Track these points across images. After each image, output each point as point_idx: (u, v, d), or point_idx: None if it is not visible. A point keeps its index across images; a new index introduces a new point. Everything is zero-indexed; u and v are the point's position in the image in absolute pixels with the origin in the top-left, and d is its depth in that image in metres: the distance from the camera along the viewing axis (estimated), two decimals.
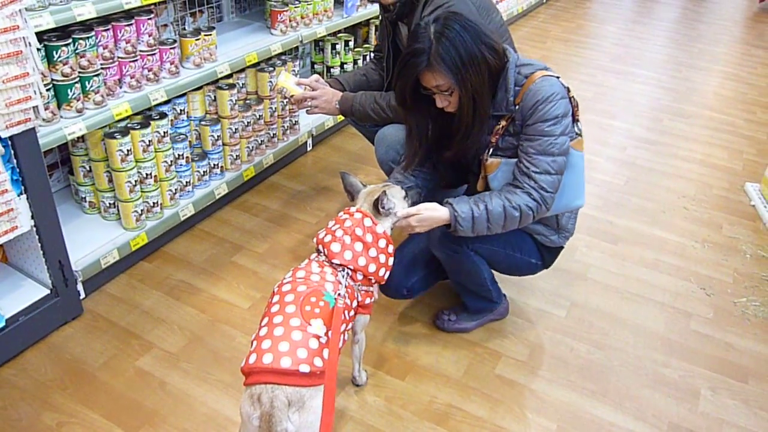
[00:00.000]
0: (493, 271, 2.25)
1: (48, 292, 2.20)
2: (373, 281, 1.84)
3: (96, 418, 1.96)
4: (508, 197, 1.90)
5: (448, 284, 2.42)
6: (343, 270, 1.75)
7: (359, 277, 1.78)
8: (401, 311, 2.47)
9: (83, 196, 2.58)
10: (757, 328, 2.53)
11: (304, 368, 1.46)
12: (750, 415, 2.15)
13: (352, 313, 1.76)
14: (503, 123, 1.93)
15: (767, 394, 2.23)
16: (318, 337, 1.53)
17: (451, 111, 1.90)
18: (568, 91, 1.91)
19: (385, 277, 1.86)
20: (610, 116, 4.35)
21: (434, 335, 2.37)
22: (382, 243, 1.82)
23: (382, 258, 1.82)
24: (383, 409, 2.06)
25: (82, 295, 2.36)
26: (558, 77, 1.92)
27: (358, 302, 1.80)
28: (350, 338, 1.96)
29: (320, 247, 1.79)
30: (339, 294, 1.67)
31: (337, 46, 3.59)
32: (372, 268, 1.79)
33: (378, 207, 1.84)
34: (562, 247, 2.23)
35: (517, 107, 1.88)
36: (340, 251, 1.75)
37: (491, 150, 1.97)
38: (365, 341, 2.04)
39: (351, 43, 3.67)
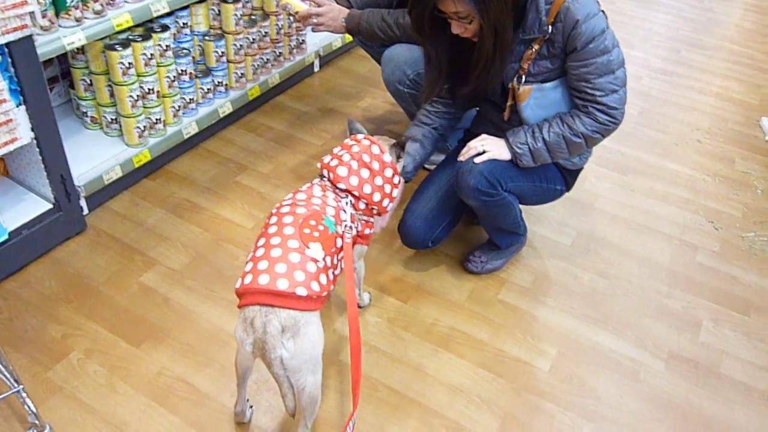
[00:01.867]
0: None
1: (51, 206, 2.18)
2: (375, 211, 1.80)
3: (100, 330, 1.98)
4: (570, 125, 1.87)
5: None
6: (347, 197, 1.71)
7: (361, 206, 1.74)
8: None
9: (84, 110, 2.53)
10: (763, 262, 2.52)
11: (301, 291, 1.41)
12: (750, 347, 2.16)
13: (349, 239, 1.71)
14: (535, 47, 1.83)
15: None
16: (315, 261, 1.48)
17: (468, 37, 1.80)
18: (598, 4, 1.82)
19: (388, 208, 1.82)
20: (628, 45, 4.21)
21: (439, 260, 2.36)
22: (389, 172, 1.77)
23: (387, 188, 1.78)
24: (385, 330, 2.08)
25: (86, 211, 2.35)
26: None
27: (357, 231, 1.75)
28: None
29: (325, 171, 1.74)
30: (346, 224, 1.64)
31: None
32: (377, 196, 1.75)
33: (396, 152, 1.84)
34: (581, 169, 2.19)
35: (550, 28, 1.78)
36: (347, 176, 1.70)
37: (523, 77, 1.89)
38: (364, 268, 2.02)
39: None
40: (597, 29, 1.74)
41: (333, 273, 1.58)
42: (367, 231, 1.80)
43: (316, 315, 1.49)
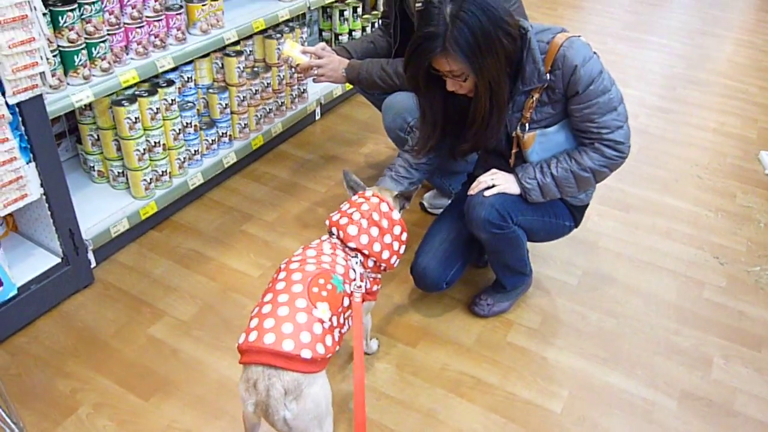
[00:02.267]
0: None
1: (59, 260, 2.19)
2: (383, 268, 1.80)
3: (109, 384, 1.97)
4: (578, 160, 1.90)
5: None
6: (357, 255, 1.71)
7: (370, 264, 1.75)
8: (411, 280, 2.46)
9: (92, 165, 2.57)
10: None
11: (306, 354, 1.39)
12: (763, 383, 2.14)
13: (358, 299, 1.69)
14: (536, 95, 1.87)
15: None
16: (322, 322, 1.46)
17: (464, 93, 1.84)
18: (590, 46, 1.87)
19: (395, 265, 1.83)
20: (623, 84, 4.21)
21: (446, 303, 2.36)
22: (397, 230, 1.79)
23: (396, 245, 1.79)
24: (395, 376, 2.07)
25: (93, 264, 2.36)
26: (579, 36, 1.86)
27: (366, 289, 1.75)
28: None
29: (334, 229, 1.74)
30: (357, 284, 1.64)
31: (345, 13, 3.53)
32: (386, 254, 1.76)
33: (401, 203, 1.88)
34: (588, 205, 2.21)
35: (549, 76, 1.83)
36: (357, 235, 1.71)
37: (527, 125, 1.93)
38: (370, 322, 2.03)
39: (359, 10, 3.61)
40: (595, 71, 1.78)
41: (339, 332, 1.57)
42: (374, 288, 1.81)
43: (320, 375, 1.46)
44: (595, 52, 1.85)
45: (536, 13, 5.50)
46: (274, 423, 1.41)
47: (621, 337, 2.27)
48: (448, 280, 2.17)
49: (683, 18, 5.87)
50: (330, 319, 1.49)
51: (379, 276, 1.82)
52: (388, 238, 1.75)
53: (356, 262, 1.68)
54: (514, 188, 1.98)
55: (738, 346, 2.28)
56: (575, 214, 2.17)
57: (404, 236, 1.81)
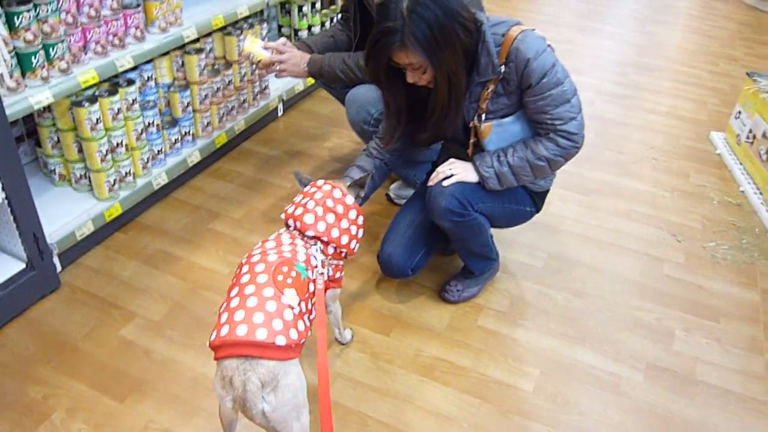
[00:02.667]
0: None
1: (24, 266, 2.16)
2: (344, 254, 1.83)
3: (82, 388, 1.95)
4: (533, 149, 1.94)
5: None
6: (316, 243, 1.73)
7: (330, 250, 1.76)
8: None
9: (52, 168, 2.52)
10: (726, 270, 2.62)
11: (281, 340, 1.40)
12: (722, 352, 2.23)
13: (320, 285, 1.70)
14: (491, 86, 1.92)
15: (737, 331, 2.32)
16: (292, 308, 1.47)
17: (424, 85, 1.88)
18: (544, 39, 1.92)
19: (355, 249, 1.85)
20: (577, 72, 4.38)
21: (416, 291, 2.40)
22: (353, 214, 1.81)
23: (353, 229, 1.81)
24: (370, 364, 2.10)
25: (59, 268, 2.32)
26: (533, 29, 1.91)
27: (328, 276, 1.77)
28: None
29: (290, 221, 1.76)
30: (319, 271, 1.64)
31: (304, 8, 3.53)
32: (344, 239, 1.78)
33: (355, 191, 1.91)
34: (548, 190, 2.27)
35: (503, 68, 1.87)
36: (314, 222, 1.72)
37: (483, 116, 1.97)
38: (340, 308, 2.04)
39: (318, 5, 3.62)
40: (547, 64, 1.83)
41: (308, 318, 1.58)
42: (338, 275, 1.82)
43: (295, 363, 1.47)
44: (549, 45, 1.90)
45: (491, 4, 5.56)
46: (252, 417, 1.42)
47: (587, 316, 2.35)
48: (413, 266, 2.21)
49: (634, 6, 6.03)
50: (299, 305, 1.50)
51: (341, 263, 1.83)
52: (344, 223, 1.77)
53: (316, 249, 1.70)
54: (472, 177, 2.03)
55: (698, 318, 2.37)
56: (536, 199, 2.23)
57: (360, 220, 1.83)
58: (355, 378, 2.04)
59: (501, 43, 1.85)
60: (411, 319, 2.28)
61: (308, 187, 1.82)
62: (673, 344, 2.25)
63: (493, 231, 2.33)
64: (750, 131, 3.27)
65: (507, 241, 2.66)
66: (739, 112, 3.42)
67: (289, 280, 1.52)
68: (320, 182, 1.82)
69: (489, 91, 1.92)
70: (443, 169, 2.04)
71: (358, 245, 1.85)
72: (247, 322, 1.40)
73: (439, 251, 2.52)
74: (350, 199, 1.82)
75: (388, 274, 2.25)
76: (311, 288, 1.60)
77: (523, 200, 2.19)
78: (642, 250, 2.70)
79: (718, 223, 2.91)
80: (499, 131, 1.98)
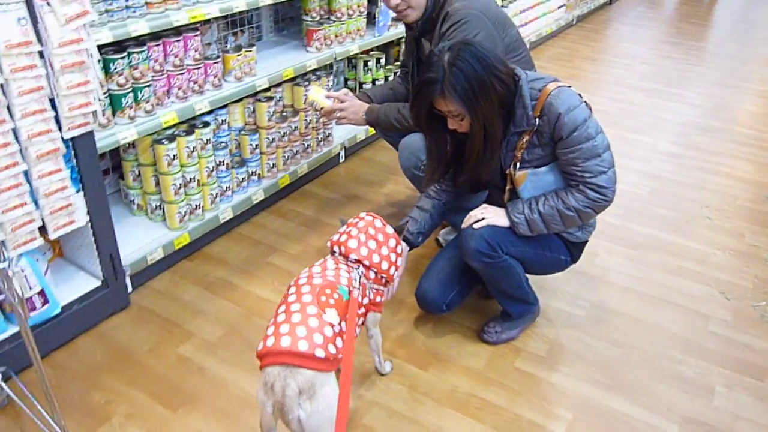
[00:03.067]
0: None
1: (99, 283, 2.39)
2: (384, 280, 1.97)
3: (140, 397, 2.13)
4: (564, 199, 2.04)
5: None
6: (358, 267, 1.88)
7: (371, 275, 1.91)
8: None
9: (132, 198, 2.79)
10: None
11: (320, 353, 1.55)
12: (764, 411, 2.20)
13: (362, 310, 1.87)
14: (526, 137, 2.04)
15: None
16: (332, 325, 1.63)
17: (464, 131, 2.03)
18: (581, 96, 2.04)
19: (395, 276, 2.00)
20: (637, 131, 4.44)
21: (457, 331, 2.48)
22: (392, 242, 1.98)
23: (393, 257, 1.97)
24: (406, 395, 2.19)
25: (130, 289, 2.55)
26: (570, 86, 2.04)
27: (369, 300, 1.92)
28: (364, 333, 2.09)
29: (335, 247, 1.93)
30: (354, 287, 1.78)
31: (369, 64, 3.78)
32: (384, 265, 1.93)
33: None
34: (586, 242, 2.33)
35: (537, 121, 2.00)
36: (357, 247, 1.89)
37: (518, 164, 2.10)
38: (380, 336, 2.15)
39: (382, 61, 3.86)
40: (579, 119, 1.95)
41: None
42: (378, 299, 1.97)
43: (331, 376, 1.60)
44: (585, 102, 2.02)
45: (554, 64, 5.73)
46: (289, 422, 1.55)
47: (626, 366, 2.36)
48: (447, 302, 2.31)
49: (700, 70, 6.03)
50: (339, 324, 1.65)
51: (382, 288, 1.98)
52: (384, 250, 1.93)
53: (358, 274, 1.85)
54: (503, 221, 2.14)
55: (741, 375, 2.35)
56: (572, 249, 2.30)
57: (399, 249, 2.00)
58: (391, 407, 2.13)
59: (537, 98, 1.99)
60: (450, 357, 2.36)
61: (352, 218, 1.99)
62: (712, 400, 2.24)
63: (535, 278, 2.41)
64: None
65: (550, 288, 2.72)
66: None
67: (332, 301, 1.68)
68: (362, 214, 1.99)
69: (524, 141, 2.04)
70: (476, 213, 2.17)
71: (396, 272, 1.99)
72: (291, 334, 1.56)
73: (482, 295, 2.61)
74: (390, 229, 1.98)
75: (424, 308, 2.36)
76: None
77: (558, 248, 2.26)
78: (687, 306, 2.69)
79: None
80: (534, 180, 2.09)
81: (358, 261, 1.88)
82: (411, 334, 2.47)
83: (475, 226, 2.14)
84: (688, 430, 2.11)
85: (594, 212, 2.06)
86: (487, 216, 2.15)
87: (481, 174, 2.11)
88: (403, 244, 2.13)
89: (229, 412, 2.08)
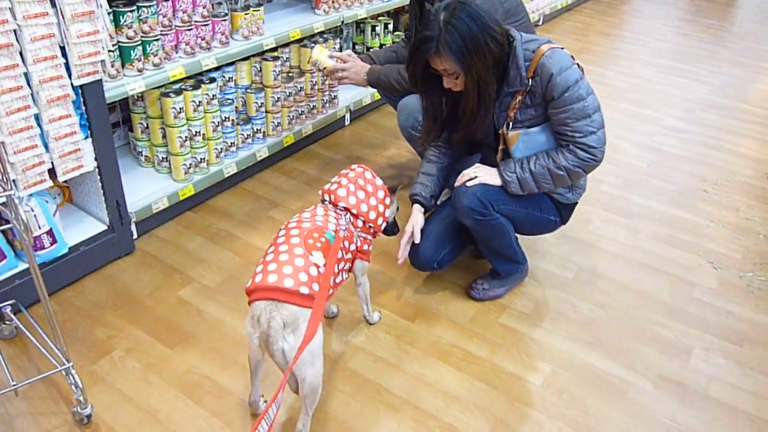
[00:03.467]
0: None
1: (105, 227, 2.51)
2: (372, 230, 2.06)
3: (140, 334, 2.25)
4: (554, 159, 2.11)
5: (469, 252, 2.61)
6: (346, 215, 1.97)
7: (359, 223, 2.00)
8: None
9: (140, 150, 2.90)
10: (759, 299, 2.64)
11: (304, 290, 1.64)
12: (741, 375, 2.27)
13: (349, 255, 1.96)
14: (519, 97, 2.11)
15: (760, 357, 2.35)
16: (317, 266, 1.72)
17: (458, 90, 2.09)
18: (573, 58, 2.09)
19: (383, 227, 2.10)
20: (643, 105, 4.45)
21: (446, 287, 2.57)
22: (381, 194, 2.06)
23: (381, 208, 2.05)
24: (392, 344, 2.29)
25: (135, 235, 2.67)
26: (562, 48, 2.09)
27: (356, 247, 2.01)
28: (352, 282, 2.19)
29: (326, 195, 2.02)
30: (339, 228, 1.87)
31: (377, 29, 3.83)
32: (372, 215, 2.02)
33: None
34: (576, 203, 2.41)
35: (531, 81, 2.06)
36: (346, 195, 1.98)
37: (511, 124, 2.17)
38: (368, 285, 2.22)
39: (390, 26, 3.91)
40: (571, 80, 2.00)
41: (333, 280, 1.82)
42: (365, 247, 2.06)
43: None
44: (577, 63, 2.07)
45: (567, 38, 5.72)
46: (273, 353, 1.65)
47: (607, 326, 2.44)
48: (439, 260, 2.39)
49: (713, 48, 5.98)
50: (324, 266, 1.73)
51: (370, 237, 2.07)
52: (373, 201, 2.02)
53: (345, 221, 1.94)
54: (495, 180, 2.21)
55: (720, 340, 2.42)
56: (562, 210, 2.37)
57: (388, 201, 2.08)
58: (376, 353, 2.24)
59: (531, 59, 2.04)
60: (437, 310, 2.46)
61: (344, 169, 2.07)
62: (690, 361, 2.31)
63: (526, 240, 2.49)
64: None
65: (541, 251, 2.80)
66: None
67: (319, 244, 1.77)
68: (354, 165, 2.08)
69: (517, 101, 2.10)
70: (468, 172, 2.24)
71: (384, 223, 2.08)
72: (278, 272, 1.66)
73: (474, 255, 2.69)
74: (380, 181, 2.07)
75: (416, 266, 2.45)
76: (339, 254, 1.83)
77: (548, 209, 2.33)
78: (675, 273, 2.76)
79: (760, 255, 2.92)
80: (525, 140, 2.16)
81: (346, 209, 1.97)
82: (401, 288, 2.56)
83: (468, 184, 2.21)
84: (662, 387, 2.19)
85: (583, 171, 2.13)
86: (480, 175, 2.22)
87: (475, 132, 2.18)
88: (395, 199, 2.21)
89: (223, 351, 2.20)
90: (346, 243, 1.93)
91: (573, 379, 2.20)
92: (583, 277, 2.69)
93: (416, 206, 2.35)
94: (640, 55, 5.51)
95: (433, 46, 1.96)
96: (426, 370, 2.19)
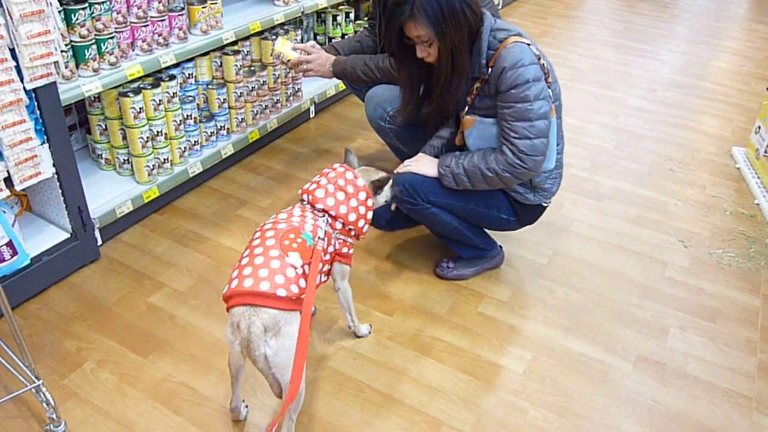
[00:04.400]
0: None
1: (68, 235, 2.41)
2: (353, 232, 1.97)
3: (112, 344, 2.18)
4: (486, 159, 2.09)
5: None
6: (324, 216, 1.89)
7: (338, 225, 1.91)
8: (394, 256, 2.66)
9: (100, 153, 2.79)
10: (729, 276, 2.69)
11: (281, 292, 1.58)
12: (715, 350, 2.31)
13: (327, 257, 1.87)
14: (478, 84, 2.08)
15: (733, 332, 2.39)
16: (295, 267, 1.65)
17: (431, 61, 2.06)
18: (539, 58, 2.04)
19: (364, 229, 1.99)
20: (605, 87, 4.49)
21: (423, 279, 2.55)
22: (362, 195, 1.95)
23: (362, 209, 1.95)
24: (372, 339, 2.26)
25: (99, 242, 2.58)
26: (530, 44, 2.04)
27: (335, 249, 1.92)
28: (330, 282, 2.09)
29: (305, 195, 1.93)
30: (318, 237, 1.79)
31: (338, 18, 3.76)
32: (352, 217, 1.92)
33: (374, 187, 2.03)
34: (542, 206, 2.38)
35: (489, 70, 2.03)
36: (324, 197, 1.89)
37: (467, 108, 2.14)
38: (350, 292, 2.11)
39: (352, 15, 3.84)
40: (521, 78, 1.97)
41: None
42: (344, 250, 1.97)
43: (297, 315, 1.64)
44: (542, 65, 2.03)
45: (526, 21, 5.73)
46: (256, 359, 1.60)
47: (585, 309, 2.45)
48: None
49: (670, 26, 6.06)
50: (302, 267, 1.68)
51: (350, 240, 2.00)
52: (353, 202, 1.92)
53: (323, 222, 1.86)
54: (429, 171, 2.21)
55: (694, 318, 2.45)
56: (519, 210, 2.34)
57: (370, 202, 1.98)
58: (357, 350, 2.20)
59: (496, 48, 2.02)
60: (415, 303, 2.43)
61: (326, 169, 2.00)
62: (666, 340, 2.34)
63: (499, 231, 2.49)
64: None
65: (515, 238, 2.79)
66: (759, 127, 3.47)
67: (295, 245, 1.70)
68: (336, 165, 2.00)
69: (475, 87, 2.08)
70: (409, 161, 2.25)
71: (366, 226, 2.00)
72: (253, 276, 1.60)
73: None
74: (361, 182, 1.97)
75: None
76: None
77: (499, 207, 2.32)
78: (646, 253, 2.79)
79: (728, 232, 2.97)
80: (480, 128, 2.14)
81: (324, 210, 1.89)
82: (378, 283, 2.53)
83: (399, 170, 2.22)
84: (641, 368, 2.21)
85: (512, 177, 2.10)
86: (414, 165, 2.22)
87: (447, 106, 2.15)
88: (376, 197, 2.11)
89: (199, 357, 2.14)
90: (323, 244, 1.84)
91: (554, 364, 2.20)
92: (558, 262, 2.70)
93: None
94: (599, 36, 5.55)
95: (407, 10, 1.92)
96: (408, 364, 2.17)
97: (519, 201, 2.31)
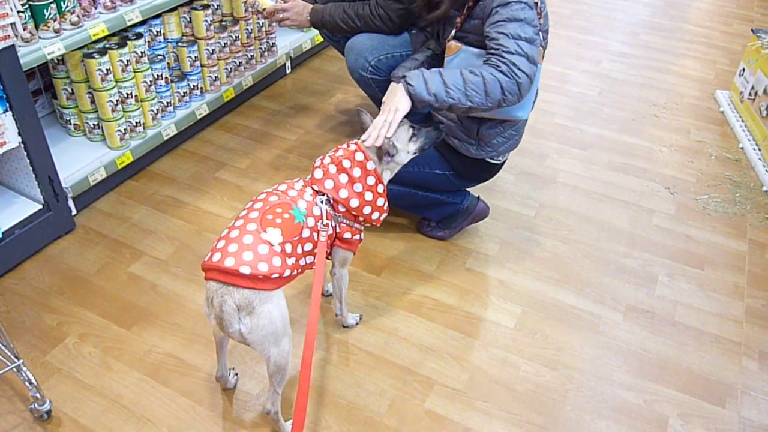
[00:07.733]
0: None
1: (40, 207, 2.32)
2: (362, 219, 1.83)
3: (93, 317, 2.12)
4: (472, 68, 1.85)
5: None
6: (324, 196, 1.74)
7: (341, 208, 1.77)
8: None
9: (68, 119, 2.67)
10: (716, 221, 2.68)
11: (245, 270, 1.48)
12: (703, 297, 2.31)
13: (323, 238, 1.71)
14: (470, 3, 1.97)
15: (721, 278, 2.39)
16: (270, 245, 1.54)
17: None
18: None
19: (374, 217, 1.83)
20: (587, 32, 4.40)
21: (410, 237, 2.51)
22: (371, 180, 1.77)
23: (369, 196, 1.78)
24: (360, 300, 2.22)
25: (74, 211, 2.49)
26: None
27: (336, 234, 1.80)
28: (329, 268, 2.01)
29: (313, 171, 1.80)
30: (323, 223, 1.69)
31: None
32: (354, 203, 1.76)
33: (381, 156, 1.83)
34: (489, 164, 2.25)
35: None
36: (321, 178, 1.74)
37: (455, 32, 2.03)
38: (347, 280, 1.99)
39: None
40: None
41: (296, 261, 1.62)
42: (347, 235, 1.81)
43: (275, 294, 1.55)
44: (537, 2, 1.90)
45: None
46: (231, 335, 1.54)
47: (573, 261, 2.43)
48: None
49: None
50: (280, 244, 1.57)
51: (356, 225, 1.84)
52: (358, 187, 1.75)
53: (321, 201, 1.72)
54: (403, 104, 1.85)
55: (682, 265, 2.44)
56: (456, 164, 2.24)
57: (380, 188, 1.80)
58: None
59: None
60: (402, 262, 2.39)
61: (341, 144, 1.83)
62: (655, 289, 2.33)
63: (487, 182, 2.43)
64: (752, 88, 3.27)
65: (500, 190, 2.75)
66: (743, 69, 3.43)
67: (279, 221, 1.59)
68: (352, 141, 1.82)
69: (467, 8, 1.98)
70: (381, 112, 1.89)
71: (379, 215, 1.85)
72: (223, 250, 1.52)
73: None
74: (372, 165, 1.77)
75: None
76: (305, 234, 1.65)
77: (430, 163, 2.23)
78: (633, 202, 2.76)
79: (713, 177, 2.95)
80: (463, 57, 2.01)
81: (320, 191, 1.75)
82: (365, 242, 2.46)
83: (371, 132, 1.85)
84: (631, 317, 2.21)
85: (499, 87, 1.81)
86: (389, 113, 1.85)
87: (439, 17, 2.07)
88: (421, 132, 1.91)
89: (184, 326, 2.09)
90: (312, 221, 1.69)
91: (544, 318, 2.19)
92: (545, 214, 2.67)
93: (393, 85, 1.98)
94: None
95: None
96: (398, 324, 2.14)
97: (460, 152, 2.21)
